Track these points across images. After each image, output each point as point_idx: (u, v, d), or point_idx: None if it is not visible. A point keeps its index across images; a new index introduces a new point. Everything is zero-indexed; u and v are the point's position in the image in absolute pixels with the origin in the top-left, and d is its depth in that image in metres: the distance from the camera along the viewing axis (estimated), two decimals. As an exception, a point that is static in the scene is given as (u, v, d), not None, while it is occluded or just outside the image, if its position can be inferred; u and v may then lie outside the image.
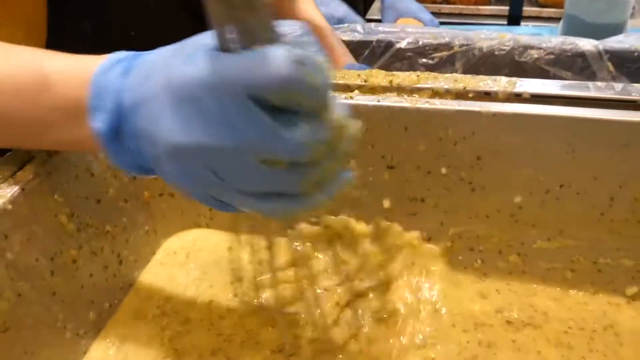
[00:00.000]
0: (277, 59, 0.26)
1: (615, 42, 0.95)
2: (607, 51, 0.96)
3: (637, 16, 1.27)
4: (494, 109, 0.44)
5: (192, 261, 0.54)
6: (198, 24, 0.31)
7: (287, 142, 0.27)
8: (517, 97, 0.45)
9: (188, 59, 0.29)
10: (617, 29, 1.05)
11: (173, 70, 0.29)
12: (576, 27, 1.17)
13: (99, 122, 0.33)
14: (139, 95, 0.31)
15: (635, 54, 0.94)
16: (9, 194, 0.39)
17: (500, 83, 0.46)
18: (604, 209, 0.45)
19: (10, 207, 0.39)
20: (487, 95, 0.45)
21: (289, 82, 0.26)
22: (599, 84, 0.45)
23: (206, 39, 0.29)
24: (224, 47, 0.28)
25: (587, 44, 0.96)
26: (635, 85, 0.44)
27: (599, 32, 1.01)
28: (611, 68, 0.96)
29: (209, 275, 0.52)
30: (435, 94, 0.46)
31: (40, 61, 0.36)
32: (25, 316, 0.39)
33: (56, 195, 0.42)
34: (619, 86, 0.45)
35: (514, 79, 0.47)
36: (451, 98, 0.46)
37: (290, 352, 0.44)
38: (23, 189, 0.40)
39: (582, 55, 0.96)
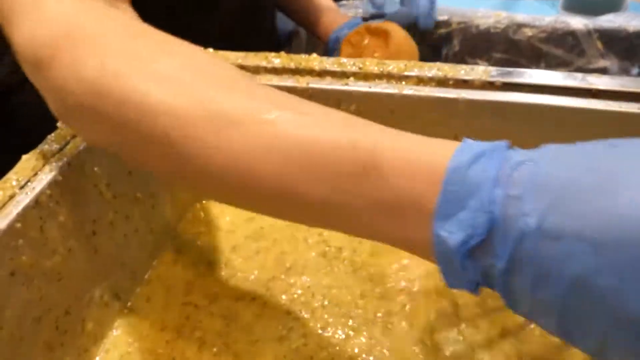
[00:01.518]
0: None
1: (605, 21, 1.00)
2: (596, 30, 1.01)
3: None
4: (469, 96, 0.51)
5: (217, 221, 0.62)
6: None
7: None
8: (491, 85, 0.52)
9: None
10: (616, 4, 1.09)
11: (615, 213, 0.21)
12: (577, 1, 1.21)
13: (449, 233, 0.25)
14: (555, 229, 0.22)
15: (624, 33, 0.99)
16: (59, 167, 0.47)
17: (476, 72, 0.53)
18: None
19: (60, 178, 0.47)
20: (465, 83, 0.52)
21: None
22: (562, 74, 0.52)
23: None
24: None
25: (578, 23, 1.00)
26: (593, 75, 0.51)
27: (599, 7, 1.05)
28: (600, 46, 1.00)
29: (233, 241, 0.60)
30: (420, 81, 0.53)
31: (355, 134, 0.29)
32: (74, 267, 0.48)
33: (96, 168, 0.50)
34: (579, 76, 0.51)
35: (489, 68, 0.53)
36: (434, 85, 0.53)
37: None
38: (69, 163, 0.48)
39: (572, 33, 1.01)
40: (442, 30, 1.02)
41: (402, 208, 0.27)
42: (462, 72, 0.53)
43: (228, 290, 0.54)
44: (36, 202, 0.44)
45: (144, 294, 0.55)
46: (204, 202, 0.64)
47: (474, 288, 0.27)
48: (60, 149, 0.49)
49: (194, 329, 0.50)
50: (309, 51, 0.60)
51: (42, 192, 0.45)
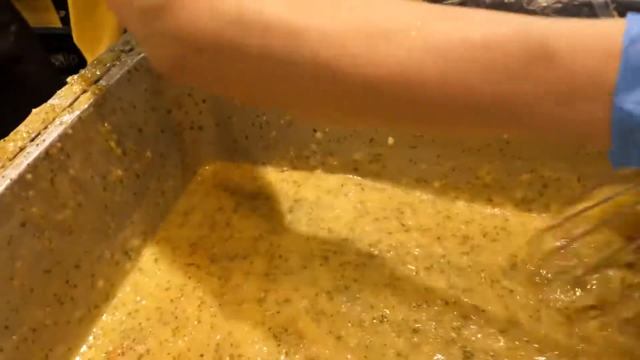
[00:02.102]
0: None
1: (622, -8, 0.97)
2: (613, 1, 0.99)
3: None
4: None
5: (225, 183, 0.61)
6: None
7: None
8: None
9: None
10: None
11: None
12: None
13: (634, 104, 0.25)
14: None
15: (641, 3, 0.96)
16: (69, 121, 0.46)
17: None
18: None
19: (70, 131, 0.46)
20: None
21: None
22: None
23: None
24: None
25: (594, -7, 0.98)
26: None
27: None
28: (617, 17, 0.98)
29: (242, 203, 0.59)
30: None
31: (524, 25, 0.28)
32: (84, 222, 0.47)
33: (106, 124, 0.50)
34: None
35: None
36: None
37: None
38: (80, 117, 0.47)
39: (589, 4, 0.99)
40: (454, 0, 1.00)
41: (579, 90, 0.26)
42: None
43: (225, 250, 0.54)
44: (46, 154, 0.44)
45: (153, 254, 0.54)
46: (213, 163, 0.64)
47: None
48: (71, 104, 0.48)
49: (195, 289, 0.50)
50: None
51: (52, 145, 0.44)
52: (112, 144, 0.51)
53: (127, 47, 0.55)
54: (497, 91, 0.28)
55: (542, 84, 0.27)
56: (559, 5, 1.02)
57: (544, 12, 1.03)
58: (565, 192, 0.53)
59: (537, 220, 0.54)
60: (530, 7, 1.04)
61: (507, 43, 0.27)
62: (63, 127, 0.46)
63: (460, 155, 0.55)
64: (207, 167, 0.64)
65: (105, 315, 0.49)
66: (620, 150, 0.27)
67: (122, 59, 0.54)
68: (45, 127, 0.46)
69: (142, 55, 0.54)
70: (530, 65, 0.27)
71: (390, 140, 0.56)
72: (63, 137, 0.45)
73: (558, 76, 0.26)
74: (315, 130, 0.58)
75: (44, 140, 0.44)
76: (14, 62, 0.96)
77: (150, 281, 0.52)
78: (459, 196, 0.57)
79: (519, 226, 0.54)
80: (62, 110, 0.47)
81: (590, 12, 1.01)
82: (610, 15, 1.00)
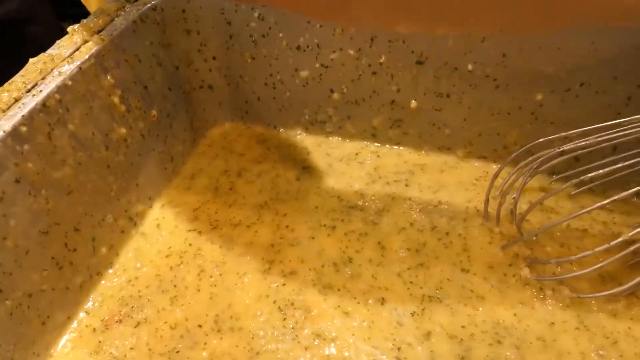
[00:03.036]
0: None
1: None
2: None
3: None
4: (522, 6, 0.45)
5: (234, 145, 0.58)
6: None
7: None
8: (547, -3, 0.46)
9: None
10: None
11: None
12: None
13: None
14: None
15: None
16: (68, 72, 0.43)
17: (531, -18, 0.47)
18: (621, 109, 0.47)
19: (70, 82, 0.42)
20: (517, -6, 0.47)
21: None
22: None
23: None
24: None
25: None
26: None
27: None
28: None
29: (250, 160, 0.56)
30: (467, -9, 0.47)
31: None
32: (85, 182, 0.44)
33: (109, 77, 0.46)
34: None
35: (545, -22, 0.48)
36: (482, -4, 0.47)
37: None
38: (80, 68, 0.43)
39: None
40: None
41: None
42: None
43: (228, 216, 0.51)
44: (44, 106, 0.40)
45: (155, 219, 0.51)
46: (222, 125, 0.60)
47: None
48: (71, 54, 0.44)
49: (195, 256, 0.47)
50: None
51: (50, 96, 0.41)
52: (115, 99, 0.47)
53: (132, -3, 0.51)
54: None
55: None
56: None
57: None
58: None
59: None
60: None
61: None
62: (62, 77, 0.42)
63: (488, 118, 0.51)
64: (217, 128, 0.60)
65: (104, 281, 0.46)
66: None
67: (127, 9, 0.50)
68: (43, 78, 0.42)
69: (148, 5, 0.51)
70: None
71: (413, 104, 0.52)
72: (62, 89, 0.42)
73: None
74: (332, 91, 0.54)
75: (40, 91, 0.41)
76: (24, 23, 0.93)
77: (152, 247, 0.48)
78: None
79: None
80: (62, 60, 0.44)
81: None
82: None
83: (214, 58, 0.56)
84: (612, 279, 0.43)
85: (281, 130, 0.59)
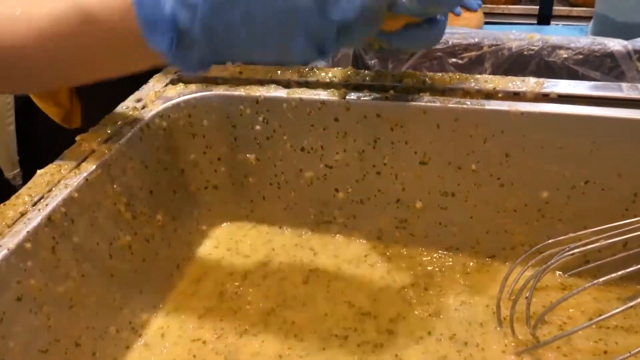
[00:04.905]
0: None
1: (645, 43, 0.95)
2: (636, 51, 0.96)
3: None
4: (522, 108, 0.46)
5: (239, 247, 0.57)
6: None
7: None
8: (545, 97, 0.47)
9: None
10: (650, 28, 1.05)
11: None
12: (607, 27, 1.17)
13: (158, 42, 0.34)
14: None
15: (666, 54, 0.94)
16: (75, 183, 0.43)
17: (528, 84, 0.48)
18: (628, 204, 0.47)
19: (76, 195, 0.43)
20: (515, 96, 0.48)
21: None
22: (624, 85, 0.47)
23: None
24: None
25: (616, 44, 0.96)
26: (660, 86, 0.46)
27: (630, 31, 1.01)
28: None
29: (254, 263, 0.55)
30: (467, 94, 0.49)
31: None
32: (88, 294, 0.43)
33: (115, 185, 0.46)
34: (642, 87, 0.46)
35: (541, 80, 0.49)
36: (481, 98, 0.48)
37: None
38: (87, 179, 0.44)
39: (610, 55, 0.97)
40: (473, 53, 0.98)
41: (122, 38, 0.36)
42: (511, 84, 0.49)
43: (233, 324, 0.49)
44: (49, 220, 0.40)
45: (160, 327, 0.50)
46: (228, 224, 0.60)
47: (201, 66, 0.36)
48: (78, 164, 0.45)
49: None
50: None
51: (55, 210, 0.41)
52: (121, 207, 0.47)
53: (140, 104, 0.53)
54: (69, 49, 0.37)
55: (97, 39, 0.36)
56: (580, 56, 1.00)
57: (564, 63, 1.00)
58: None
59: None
60: (551, 59, 1.02)
61: (63, 14, 0.36)
62: (68, 190, 0.42)
63: (495, 216, 0.51)
64: (222, 228, 0.60)
65: (103, 397, 0.44)
66: (175, 55, 0.34)
67: (135, 116, 0.51)
68: (50, 190, 0.42)
69: (155, 111, 0.52)
70: (81, 25, 0.36)
71: (419, 204, 0.52)
72: (68, 201, 0.42)
73: (105, 30, 0.36)
74: (337, 191, 0.54)
75: (46, 204, 0.41)
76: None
77: (155, 359, 0.47)
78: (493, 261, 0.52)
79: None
80: (69, 171, 0.44)
81: (612, 62, 0.99)
82: (634, 66, 0.98)
83: (219, 159, 0.56)
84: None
85: (287, 230, 0.58)
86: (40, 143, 0.76)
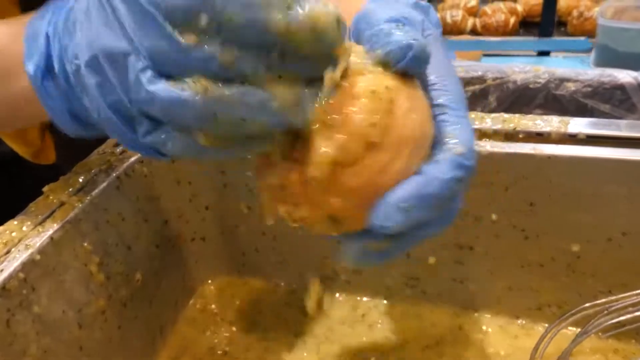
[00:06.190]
0: None
1: (657, 75, 0.92)
2: (647, 83, 0.93)
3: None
4: (547, 151, 0.41)
5: (225, 311, 0.51)
6: None
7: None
8: (572, 138, 0.42)
9: None
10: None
11: None
12: (609, 57, 1.14)
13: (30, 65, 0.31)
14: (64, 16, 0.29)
15: (678, 86, 0.91)
16: (38, 244, 0.37)
17: (552, 123, 0.43)
18: (671, 259, 0.41)
19: (38, 257, 0.37)
20: (539, 136, 0.43)
21: None
22: (659, 124, 0.42)
23: None
24: None
25: (626, 76, 0.92)
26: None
27: (633, 61, 0.99)
28: (652, 100, 0.92)
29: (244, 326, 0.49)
30: (483, 135, 0.44)
31: None
32: (50, 374, 0.37)
33: (86, 243, 0.41)
34: (682, 126, 0.42)
35: (566, 118, 0.44)
36: (500, 139, 0.43)
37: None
38: (52, 238, 0.38)
39: (621, 87, 0.93)
40: (476, 87, 0.94)
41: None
42: (532, 124, 0.44)
43: None
44: (3, 290, 0.34)
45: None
46: (217, 279, 0.54)
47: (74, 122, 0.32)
48: (42, 221, 0.39)
49: None
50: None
51: (12, 276, 0.35)
52: (93, 267, 0.41)
53: (118, 149, 0.47)
54: None
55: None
56: (589, 89, 0.96)
57: (572, 96, 0.96)
58: None
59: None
60: (559, 92, 0.98)
61: None
62: (29, 251, 0.37)
63: (518, 271, 0.45)
64: (210, 285, 0.54)
65: None
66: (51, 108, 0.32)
67: (112, 162, 0.45)
68: (8, 252, 0.37)
69: (134, 158, 0.46)
70: None
71: (432, 260, 0.46)
72: (28, 265, 0.36)
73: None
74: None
75: (1, 270, 0.35)
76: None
77: None
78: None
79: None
80: (31, 229, 0.38)
81: (622, 94, 0.95)
82: (644, 99, 0.93)
83: (206, 208, 0.51)
84: None
85: (282, 284, 0.52)
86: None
